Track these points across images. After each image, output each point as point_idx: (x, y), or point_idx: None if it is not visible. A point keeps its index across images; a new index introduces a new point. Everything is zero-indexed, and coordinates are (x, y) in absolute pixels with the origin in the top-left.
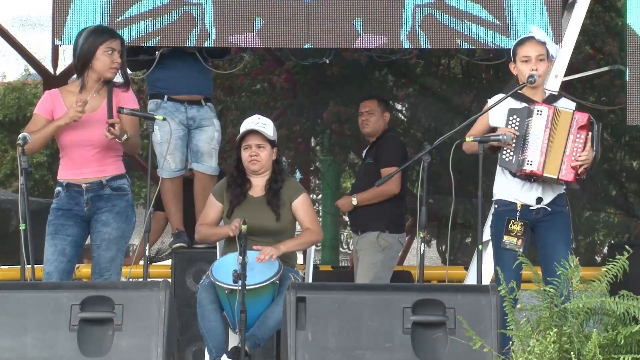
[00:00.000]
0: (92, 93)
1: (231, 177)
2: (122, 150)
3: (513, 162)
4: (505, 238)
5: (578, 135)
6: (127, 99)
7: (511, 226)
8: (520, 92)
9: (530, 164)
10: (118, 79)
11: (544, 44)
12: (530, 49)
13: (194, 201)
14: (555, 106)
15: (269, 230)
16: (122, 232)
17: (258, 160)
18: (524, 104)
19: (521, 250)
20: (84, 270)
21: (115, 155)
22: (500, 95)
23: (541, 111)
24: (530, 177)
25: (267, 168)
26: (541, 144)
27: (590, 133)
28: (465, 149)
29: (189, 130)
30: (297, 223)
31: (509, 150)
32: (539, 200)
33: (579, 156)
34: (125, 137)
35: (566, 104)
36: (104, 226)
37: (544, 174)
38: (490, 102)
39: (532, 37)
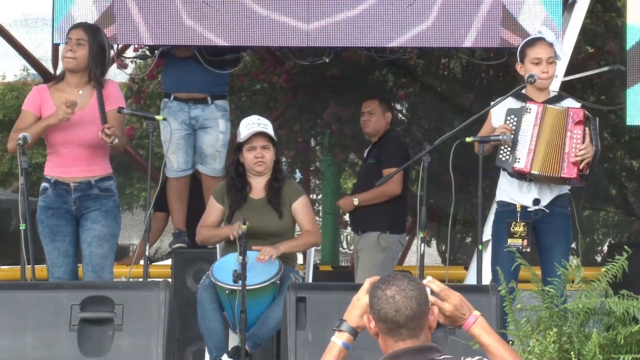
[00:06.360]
0: (78, 90)
1: (230, 181)
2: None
3: (509, 161)
4: (510, 241)
5: (575, 132)
6: (115, 96)
7: (513, 228)
8: (524, 92)
9: (518, 162)
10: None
11: (552, 45)
12: (542, 51)
13: (200, 200)
14: (545, 104)
15: (271, 231)
16: (112, 230)
17: (264, 161)
18: (523, 104)
19: (528, 249)
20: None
21: (103, 155)
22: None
23: (530, 109)
24: (524, 176)
25: (270, 169)
26: (529, 141)
27: (587, 128)
28: (477, 150)
29: (194, 130)
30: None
31: (505, 150)
32: (536, 201)
33: (579, 150)
34: (115, 141)
35: (571, 104)
36: (93, 224)
37: (532, 172)
38: (493, 104)
39: (542, 38)
